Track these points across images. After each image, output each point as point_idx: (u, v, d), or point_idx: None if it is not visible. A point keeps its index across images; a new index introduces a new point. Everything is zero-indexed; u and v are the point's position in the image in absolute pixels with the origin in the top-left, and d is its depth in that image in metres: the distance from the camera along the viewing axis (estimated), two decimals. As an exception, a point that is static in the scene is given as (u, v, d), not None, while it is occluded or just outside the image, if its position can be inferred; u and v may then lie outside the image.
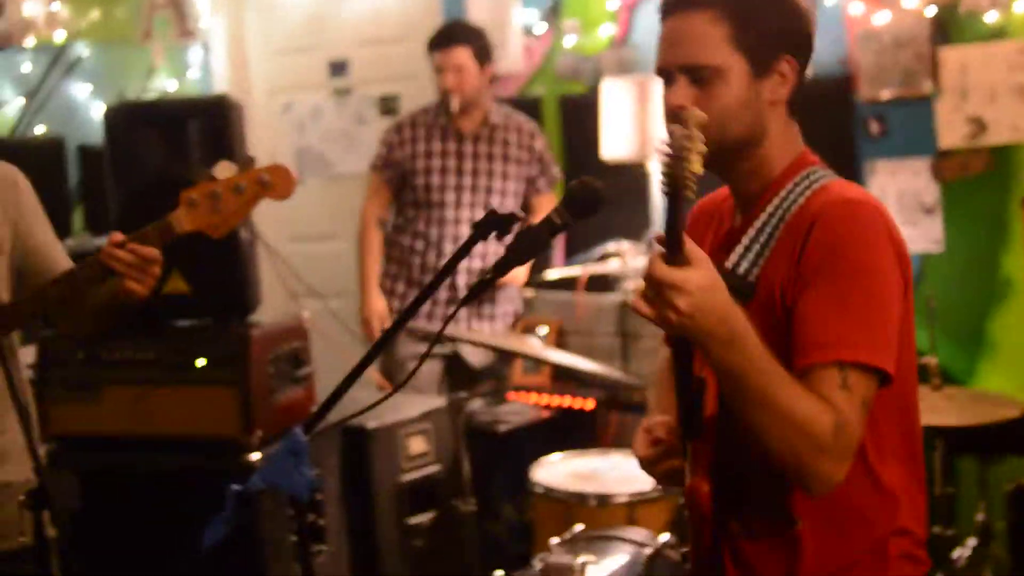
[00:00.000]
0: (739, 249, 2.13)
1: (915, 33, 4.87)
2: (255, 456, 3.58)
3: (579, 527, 3.56)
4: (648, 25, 5.45)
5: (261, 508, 3.50)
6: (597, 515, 3.82)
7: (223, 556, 2.82)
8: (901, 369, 2.04)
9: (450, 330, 3.47)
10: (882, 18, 4.93)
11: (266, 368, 3.65)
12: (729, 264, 2.13)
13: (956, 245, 4.90)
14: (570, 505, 3.91)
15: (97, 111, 5.89)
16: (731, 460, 2.11)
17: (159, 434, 3.68)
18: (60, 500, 2.37)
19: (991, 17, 4.72)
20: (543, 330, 5.24)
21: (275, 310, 4.03)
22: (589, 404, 4.84)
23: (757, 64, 2.09)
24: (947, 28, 4.83)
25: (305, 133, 6.79)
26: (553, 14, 5.84)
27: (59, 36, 5.82)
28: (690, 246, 1.85)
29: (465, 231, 5.18)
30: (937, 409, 3.75)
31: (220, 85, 6.70)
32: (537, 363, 5.05)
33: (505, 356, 5.15)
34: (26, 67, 5.74)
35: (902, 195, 4.98)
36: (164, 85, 6.45)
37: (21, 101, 5.72)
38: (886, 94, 4.97)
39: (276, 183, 2.66)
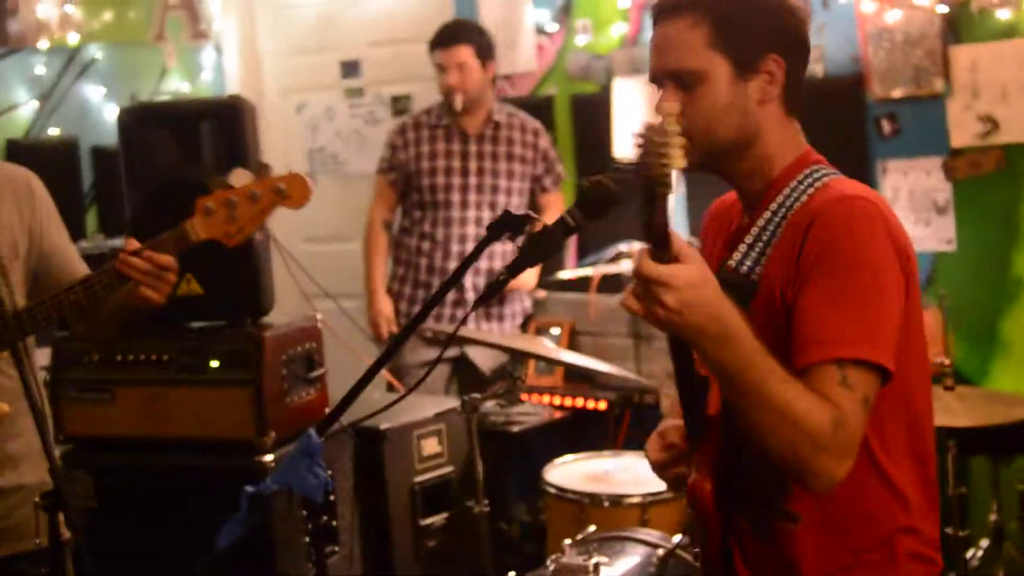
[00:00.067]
0: (742, 248, 2.14)
1: (927, 31, 4.86)
2: (268, 457, 3.58)
3: (592, 528, 3.56)
4: (660, 25, 5.44)
5: (274, 509, 3.51)
6: (610, 516, 3.83)
7: (236, 557, 2.83)
8: (908, 366, 2.04)
9: (460, 331, 3.47)
10: (894, 16, 4.92)
11: (279, 369, 3.65)
12: (732, 263, 2.14)
13: (968, 244, 4.89)
14: (583, 506, 3.92)
15: (110, 113, 5.90)
16: (735, 459, 2.11)
17: (173, 435, 3.68)
18: (75, 501, 2.37)
19: (1003, 15, 4.71)
20: (556, 331, 5.24)
21: (288, 311, 4.03)
22: (602, 405, 4.84)
23: (740, 65, 2.10)
24: (959, 26, 4.82)
25: (318, 134, 6.80)
26: (565, 13, 5.85)
27: (72, 38, 5.83)
28: (679, 242, 1.85)
29: (471, 231, 5.19)
30: (950, 409, 3.75)
31: (232, 86, 6.72)
32: (550, 364, 5.05)
33: (517, 357, 5.15)
34: (39, 69, 5.74)
35: (914, 194, 4.97)
36: (177, 86, 6.46)
37: (35, 103, 5.73)
38: (898, 92, 4.96)
39: (292, 192, 2.67)
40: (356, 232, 5.68)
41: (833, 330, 1.94)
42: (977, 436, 3.83)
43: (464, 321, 2.55)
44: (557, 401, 4.97)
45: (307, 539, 3.60)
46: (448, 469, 4.19)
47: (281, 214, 2.72)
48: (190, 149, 3.80)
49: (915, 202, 4.97)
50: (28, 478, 2.89)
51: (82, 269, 2.96)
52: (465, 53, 5.15)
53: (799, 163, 2.16)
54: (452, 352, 5.19)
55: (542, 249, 2.20)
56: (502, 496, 4.90)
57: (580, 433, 4.85)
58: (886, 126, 5.04)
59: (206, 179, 2.73)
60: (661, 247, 1.85)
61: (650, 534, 3.48)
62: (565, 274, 5.48)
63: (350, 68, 6.69)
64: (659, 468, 2.33)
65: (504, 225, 2.35)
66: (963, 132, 4.83)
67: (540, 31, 5.92)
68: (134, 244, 2.67)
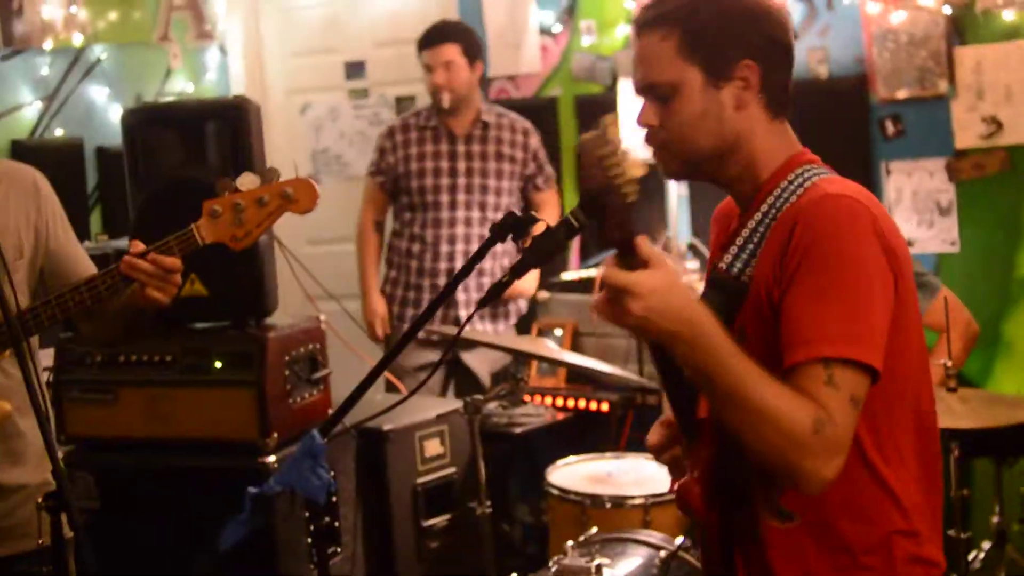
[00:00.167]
0: (733, 250, 2.15)
1: (931, 32, 4.86)
2: (271, 458, 3.58)
3: (594, 529, 3.57)
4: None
5: (277, 510, 3.52)
6: (612, 517, 3.83)
7: (239, 557, 2.85)
8: (903, 365, 2.04)
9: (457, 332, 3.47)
10: (898, 17, 4.93)
11: (283, 371, 3.66)
12: (723, 265, 2.15)
13: (972, 245, 4.89)
14: (585, 507, 3.93)
15: (115, 113, 5.90)
16: (729, 460, 2.10)
17: (176, 436, 3.69)
18: (77, 502, 2.38)
19: (1008, 16, 4.71)
20: (558, 332, 5.24)
21: (292, 312, 4.04)
22: (604, 406, 4.84)
23: (712, 73, 2.11)
24: (963, 27, 4.82)
25: (322, 135, 6.80)
26: (569, 15, 5.85)
27: (77, 39, 5.83)
28: (646, 248, 1.86)
29: (460, 231, 5.20)
30: (952, 411, 3.74)
31: (237, 87, 6.72)
32: (552, 365, 5.05)
33: (520, 358, 5.15)
34: (44, 70, 5.75)
35: (917, 195, 4.97)
36: (181, 87, 6.46)
37: (39, 104, 5.74)
38: (902, 94, 4.97)
39: (299, 197, 2.67)
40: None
41: (818, 329, 1.94)
42: (980, 438, 3.83)
43: (465, 323, 2.56)
44: (560, 402, 4.96)
45: (309, 540, 3.60)
46: (451, 470, 4.19)
47: (285, 216, 2.72)
48: (194, 150, 3.81)
49: (919, 203, 4.97)
50: (30, 477, 2.89)
51: (89, 268, 2.96)
52: (452, 52, 5.17)
53: (790, 164, 2.16)
54: (431, 360, 5.19)
55: (545, 250, 2.20)
56: (504, 497, 4.90)
57: (583, 434, 4.85)
58: (890, 127, 5.04)
59: (211, 180, 2.73)
60: (626, 254, 1.86)
61: (652, 536, 3.49)
62: (568, 275, 5.49)
63: (355, 69, 6.69)
64: (657, 451, 2.36)
65: (508, 226, 2.36)
66: (967, 133, 4.83)
67: (544, 32, 5.93)
68: (139, 246, 2.67)
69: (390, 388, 4.93)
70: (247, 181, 2.67)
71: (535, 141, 5.35)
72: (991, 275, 4.85)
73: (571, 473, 4.17)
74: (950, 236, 4.92)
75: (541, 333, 5.26)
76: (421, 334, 5.05)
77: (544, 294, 5.40)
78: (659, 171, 2.25)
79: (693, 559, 3.24)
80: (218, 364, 3.65)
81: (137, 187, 3.80)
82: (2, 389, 2.82)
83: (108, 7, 6.02)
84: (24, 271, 2.89)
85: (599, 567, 3.20)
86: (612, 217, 1.85)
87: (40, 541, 2.59)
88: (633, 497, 3.91)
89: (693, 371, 1.91)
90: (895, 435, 2.08)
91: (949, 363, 3.79)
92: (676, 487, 2.33)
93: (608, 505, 3.91)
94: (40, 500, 2.38)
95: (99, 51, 6.02)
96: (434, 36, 5.23)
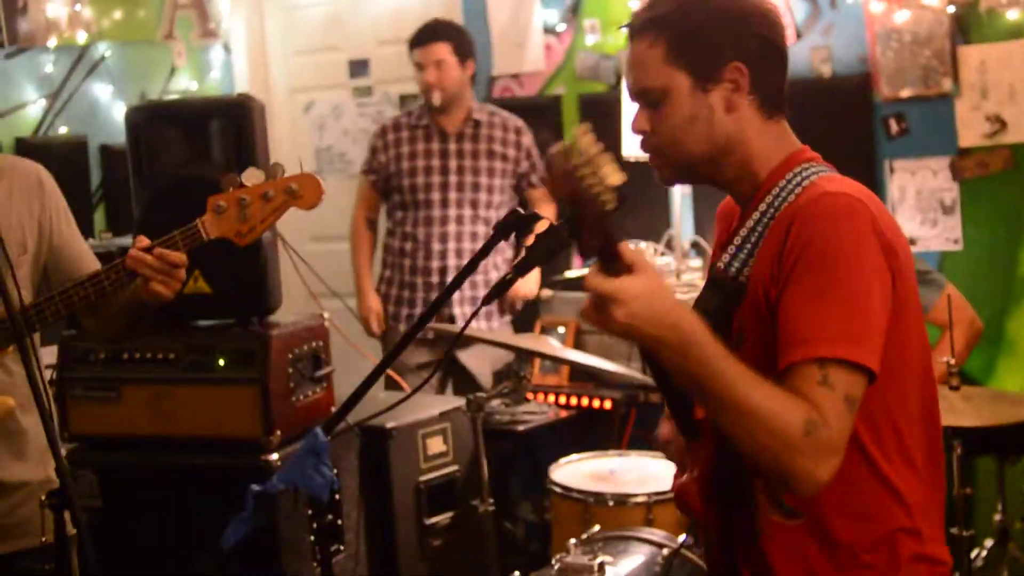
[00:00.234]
0: (731, 249, 2.14)
1: (935, 31, 4.85)
2: (274, 456, 3.58)
3: (597, 527, 3.57)
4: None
5: (280, 508, 3.52)
6: (615, 515, 3.83)
7: (242, 555, 2.85)
8: (904, 363, 2.04)
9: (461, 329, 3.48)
10: (902, 16, 4.92)
11: (286, 368, 3.66)
12: (721, 264, 2.15)
13: (975, 244, 4.89)
14: (588, 505, 3.92)
15: (119, 111, 5.90)
16: (728, 461, 2.10)
17: (179, 434, 3.69)
18: (80, 500, 2.38)
19: (1012, 15, 4.71)
20: (561, 330, 5.24)
21: (295, 310, 4.04)
22: (607, 404, 4.84)
23: (699, 77, 2.11)
24: (967, 26, 4.82)
25: (325, 132, 6.81)
26: (573, 13, 5.85)
27: (81, 37, 5.84)
28: (629, 254, 1.85)
29: (452, 229, 5.21)
30: (955, 409, 3.74)
31: (241, 85, 6.73)
32: (555, 363, 5.05)
33: (523, 356, 5.15)
34: (48, 67, 5.76)
35: (921, 194, 4.97)
36: (185, 85, 6.47)
37: (44, 101, 5.75)
38: (906, 92, 4.96)
39: (304, 192, 2.68)
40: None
41: (813, 329, 1.93)
42: (983, 436, 3.82)
43: (469, 320, 2.56)
44: (563, 400, 4.97)
45: (312, 538, 3.61)
46: (453, 468, 4.19)
47: (288, 214, 2.72)
48: (198, 148, 3.81)
49: (922, 202, 4.96)
50: (32, 474, 2.89)
51: (93, 264, 2.96)
52: (442, 50, 5.18)
53: (788, 162, 2.15)
54: (432, 358, 5.19)
55: (548, 248, 2.20)
56: (507, 495, 4.91)
57: (585, 432, 4.86)
58: (894, 126, 5.04)
59: (214, 178, 2.73)
60: (609, 261, 1.85)
61: (655, 534, 3.49)
62: (571, 273, 5.49)
63: (358, 67, 6.70)
64: (667, 444, 2.38)
65: (511, 224, 2.36)
66: (971, 132, 4.83)
67: (549, 31, 5.93)
68: (145, 241, 2.68)
69: (389, 386, 4.93)
70: (252, 176, 2.68)
71: (527, 139, 5.35)
72: (994, 273, 4.85)
73: (574, 471, 4.17)
74: (954, 234, 4.92)
75: (544, 331, 5.25)
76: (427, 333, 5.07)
77: (547, 292, 5.40)
78: (655, 177, 2.25)
79: (696, 557, 3.24)
80: (221, 362, 3.66)
81: (141, 185, 3.81)
82: (4, 386, 2.82)
83: (112, 5, 6.03)
84: (28, 267, 2.89)
85: (602, 565, 3.20)
86: (589, 227, 1.84)
87: (44, 539, 2.59)
88: (636, 495, 3.90)
89: (682, 375, 1.90)
90: (898, 433, 2.07)
91: (952, 360, 3.79)
92: (674, 487, 2.33)
93: (611, 503, 3.91)
94: (43, 498, 2.39)
95: (103, 49, 6.03)
96: (425, 35, 5.25)
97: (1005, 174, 4.80)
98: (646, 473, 4.09)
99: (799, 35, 5.16)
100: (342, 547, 3.79)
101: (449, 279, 5.13)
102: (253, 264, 3.71)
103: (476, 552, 3.76)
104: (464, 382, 5.22)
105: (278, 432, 3.59)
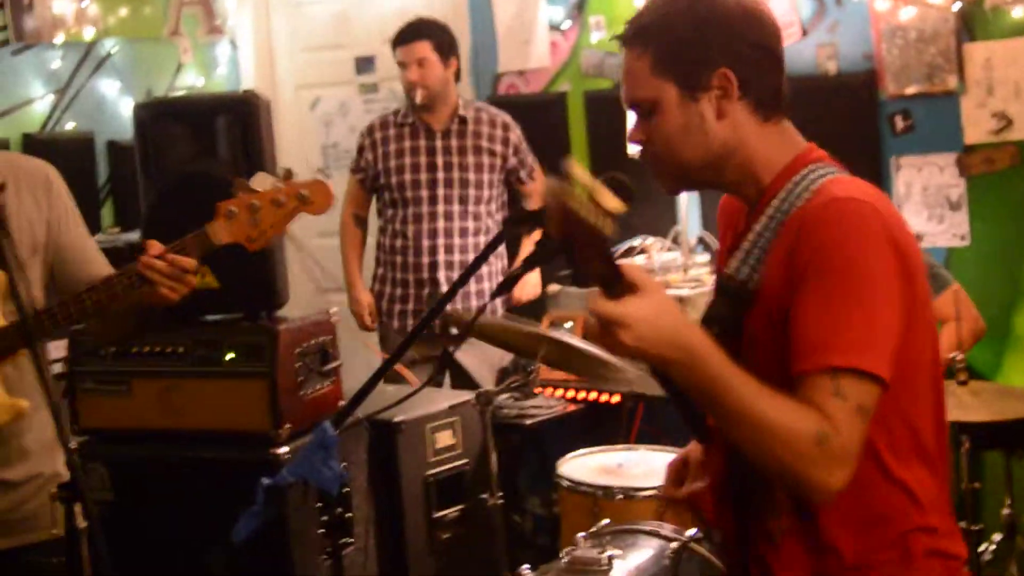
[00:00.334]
0: (739, 255, 2.12)
1: (940, 28, 4.86)
2: (284, 450, 3.59)
3: (605, 521, 3.57)
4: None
5: (289, 501, 3.53)
6: (623, 509, 3.83)
7: (251, 549, 2.85)
8: (917, 367, 2.03)
9: (470, 322, 3.48)
10: (908, 13, 4.93)
11: (294, 362, 3.66)
12: (729, 270, 2.13)
13: (982, 240, 4.90)
14: (597, 499, 3.92)
15: (126, 107, 5.93)
16: (741, 468, 2.09)
17: (189, 428, 3.69)
18: (90, 493, 2.39)
19: (1017, 12, 4.71)
20: (569, 324, 5.25)
21: (303, 305, 4.05)
22: (615, 398, 4.85)
23: (686, 86, 2.10)
24: (972, 23, 4.82)
25: (332, 129, 6.82)
26: (579, 10, 5.86)
27: (88, 33, 5.86)
28: (632, 274, 1.85)
29: (441, 225, 5.22)
30: (963, 404, 3.75)
31: (247, 81, 6.74)
32: (563, 355, 5.05)
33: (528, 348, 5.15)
34: (55, 64, 5.78)
35: (927, 190, 4.98)
36: (192, 81, 6.49)
37: (51, 97, 5.76)
38: (911, 89, 4.97)
39: (315, 199, 2.69)
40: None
41: (825, 337, 1.92)
42: (990, 431, 3.84)
43: (477, 315, 2.57)
44: (571, 394, 4.97)
45: (322, 531, 3.61)
46: (462, 462, 4.19)
47: (296, 212, 2.74)
48: (205, 144, 3.81)
49: (928, 198, 4.97)
50: (41, 468, 2.90)
51: (100, 262, 2.97)
52: (424, 49, 5.20)
53: (795, 164, 2.12)
54: (436, 352, 5.19)
55: (555, 246, 2.20)
56: (516, 489, 4.92)
57: (594, 426, 4.86)
58: (900, 123, 5.04)
59: (221, 174, 2.74)
60: (610, 284, 1.85)
61: (664, 527, 3.49)
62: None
63: (365, 64, 6.71)
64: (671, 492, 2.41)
65: (519, 220, 2.36)
66: (977, 129, 4.83)
67: (554, 28, 5.94)
68: (156, 246, 2.68)
69: (390, 380, 4.93)
70: (261, 180, 2.69)
71: (515, 135, 5.35)
72: (1001, 269, 4.86)
73: (582, 465, 4.17)
74: (960, 231, 4.93)
75: (552, 325, 5.26)
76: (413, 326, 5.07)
77: (555, 287, 5.41)
78: (657, 187, 2.25)
79: (704, 551, 3.24)
80: (230, 356, 3.66)
81: (148, 181, 3.81)
82: (12, 381, 2.83)
83: (119, 2, 6.05)
84: (37, 267, 2.89)
85: (610, 558, 3.20)
86: (590, 256, 1.84)
87: (54, 531, 2.60)
88: (644, 489, 3.91)
89: (692, 391, 1.90)
90: (913, 430, 2.06)
91: (959, 356, 3.80)
92: (688, 495, 2.33)
93: (619, 496, 3.91)
94: (54, 491, 2.39)
95: (110, 45, 6.05)
96: (407, 33, 5.27)
97: (1012, 170, 4.80)
98: (654, 467, 4.08)
99: (805, 32, 5.16)
100: (351, 540, 3.79)
101: (440, 275, 5.17)
102: (261, 260, 3.70)
103: (485, 545, 3.77)
104: (460, 379, 5.22)
105: (287, 425, 3.60)
